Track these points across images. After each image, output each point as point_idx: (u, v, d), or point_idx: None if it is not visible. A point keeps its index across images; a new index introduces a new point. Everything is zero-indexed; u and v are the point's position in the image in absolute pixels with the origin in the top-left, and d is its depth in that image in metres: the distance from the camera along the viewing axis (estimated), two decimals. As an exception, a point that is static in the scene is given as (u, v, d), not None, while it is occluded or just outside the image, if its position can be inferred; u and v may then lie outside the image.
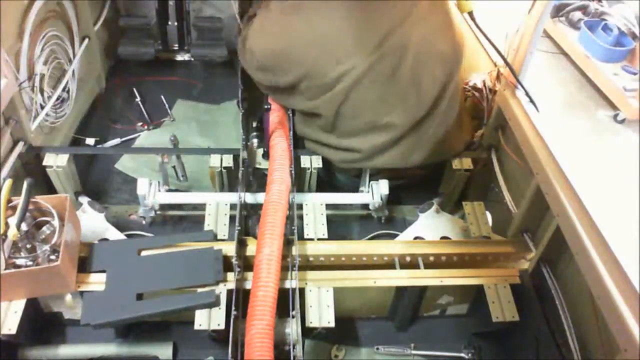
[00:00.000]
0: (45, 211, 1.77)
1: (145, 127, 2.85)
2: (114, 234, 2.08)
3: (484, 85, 2.22)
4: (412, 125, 2.13)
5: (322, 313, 1.78)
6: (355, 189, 2.36)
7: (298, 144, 2.38)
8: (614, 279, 1.35)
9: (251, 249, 1.95)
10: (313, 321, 1.76)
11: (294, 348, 1.61)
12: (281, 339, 1.70)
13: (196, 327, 1.73)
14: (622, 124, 1.85)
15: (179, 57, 3.40)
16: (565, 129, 1.83)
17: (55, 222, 1.73)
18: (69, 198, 1.77)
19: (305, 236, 2.05)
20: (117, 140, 2.75)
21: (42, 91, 2.23)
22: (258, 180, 2.35)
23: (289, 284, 1.77)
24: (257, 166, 2.27)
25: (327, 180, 2.46)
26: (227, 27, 3.21)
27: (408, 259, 2.01)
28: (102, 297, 1.75)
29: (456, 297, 2.03)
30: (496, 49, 2.05)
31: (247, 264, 1.91)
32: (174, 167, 2.44)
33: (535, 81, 2.00)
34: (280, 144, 2.14)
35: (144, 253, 1.89)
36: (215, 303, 1.76)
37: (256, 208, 2.26)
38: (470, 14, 2.10)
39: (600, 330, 1.51)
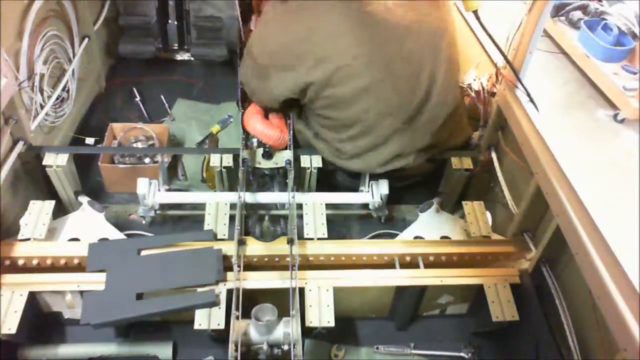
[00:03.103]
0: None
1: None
2: (114, 234, 2.08)
3: (482, 86, 2.21)
4: (406, 121, 2.14)
5: (322, 313, 1.78)
6: (355, 189, 2.36)
7: (298, 144, 2.38)
8: (614, 279, 1.35)
9: (251, 248, 1.95)
10: (313, 321, 1.76)
11: (294, 347, 1.61)
12: (281, 339, 1.70)
13: (196, 326, 1.73)
14: (622, 123, 1.85)
15: (179, 57, 3.40)
16: (565, 129, 1.83)
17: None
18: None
19: (305, 236, 2.05)
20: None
21: (41, 91, 2.23)
22: (258, 180, 2.35)
23: (289, 284, 1.77)
24: (257, 166, 2.27)
25: (327, 179, 2.46)
26: (227, 27, 3.21)
27: (408, 258, 2.01)
28: (102, 297, 1.75)
29: (456, 297, 2.03)
30: (498, 47, 2.04)
31: (247, 264, 1.91)
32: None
33: (535, 81, 2.00)
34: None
35: (143, 253, 1.89)
36: (215, 303, 1.76)
37: (256, 208, 2.27)
38: (475, 12, 2.10)
39: (600, 330, 1.51)
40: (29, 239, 1.95)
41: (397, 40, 2.04)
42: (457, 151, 2.35)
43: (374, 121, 2.10)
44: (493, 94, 2.19)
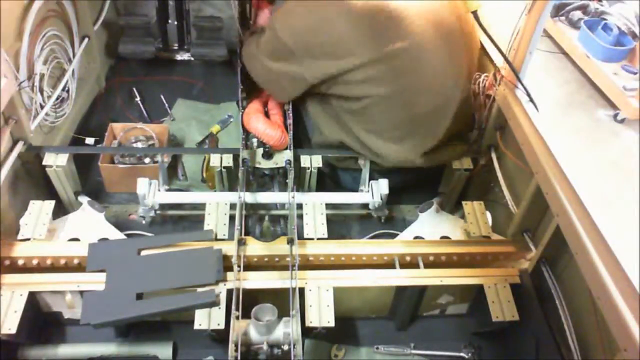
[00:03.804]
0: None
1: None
2: (114, 234, 2.08)
3: (479, 87, 2.21)
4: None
5: (322, 313, 1.78)
6: (356, 189, 2.36)
7: (301, 144, 2.38)
8: (614, 279, 1.35)
9: (251, 248, 1.95)
10: (313, 321, 1.76)
11: (294, 347, 1.61)
12: (281, 339, 1.70)
13: (196, 326, 1.73)
14: (622, 123, 1.85)
15: (179, 57, 3.40)
16: (564, 128, 1.83)
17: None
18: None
19: (305, 236, 2.05)
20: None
21: (41, 91, 2.23)
22: (258, 180, 2.35)
23: (289, 284, 1.77)
24: (257, 166, 2.27)
25: (330, 177, 2.47)
26: (227, 27, 3.21)
27: (408, 258, 2.01)
28: (102, 297, 1.76)
29: (456, 297, 2.03)
30: (498, 48, 2.05)
31: (247, 264, 1.91)
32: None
33: (535, 81, 2.00)
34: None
35: (143, 253, 1.89)
36: (215, 303, 1.76)
37: (256, 208, 2.27)
38: (475, 12, 2.10)
39: (600, 330, 1.51)
40: (29, 239, 1.95)
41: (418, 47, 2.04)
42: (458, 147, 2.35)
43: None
44: (488, 96, 2.18)
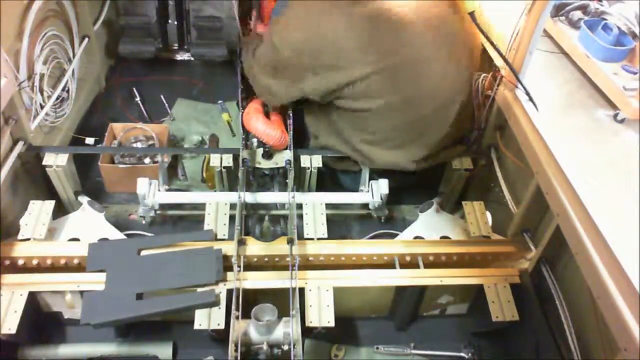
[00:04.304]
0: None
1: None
2: (114, 234, 2.08)
3: (478, 88, 2.21)
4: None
5: (322, 313, 1.78)
6: (356, 189, 2.36)
7: (301, 144, 2.38)
8: (614, 279, 1.35)
9: (251, 248, 1.95)
10: (313, 321, 1.76)
11: (294, 347, 1.61)
12: (281, 339, 1.70)
13: (196, 326, 1.73)
14: (622, 123, 1.85)
15: (179, 57, 3.41)
16: (565, 128, 1.83)
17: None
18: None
19: (305, 236, 2.05)
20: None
21: (41, 91, 2.23)
22: (258, 180, 2.35)
23: (289, 284, 1.77)
24: (257, 166, 2.27)
25: (330, 178, 2.47)
26: (227, 27, 3.21)
27: (408, 258, 2.01)
28: (102, 297, 1.76)
29: (456, 297, 2.03)
30: (496, 48, 2.04)
31: (247, 264, 1.91)
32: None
33: (535, 81, 2.00)
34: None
35: (143, 253, 1.89)
36: (215, 303, 1.76)
37: (256, 208, 2.27)
38: (472, 14, 2.10)
39: (600, 330, 1.51)
40: (29, 239, 1.95)
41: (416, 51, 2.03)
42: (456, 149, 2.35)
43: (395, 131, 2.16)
44: (487, 97, 2.18)
